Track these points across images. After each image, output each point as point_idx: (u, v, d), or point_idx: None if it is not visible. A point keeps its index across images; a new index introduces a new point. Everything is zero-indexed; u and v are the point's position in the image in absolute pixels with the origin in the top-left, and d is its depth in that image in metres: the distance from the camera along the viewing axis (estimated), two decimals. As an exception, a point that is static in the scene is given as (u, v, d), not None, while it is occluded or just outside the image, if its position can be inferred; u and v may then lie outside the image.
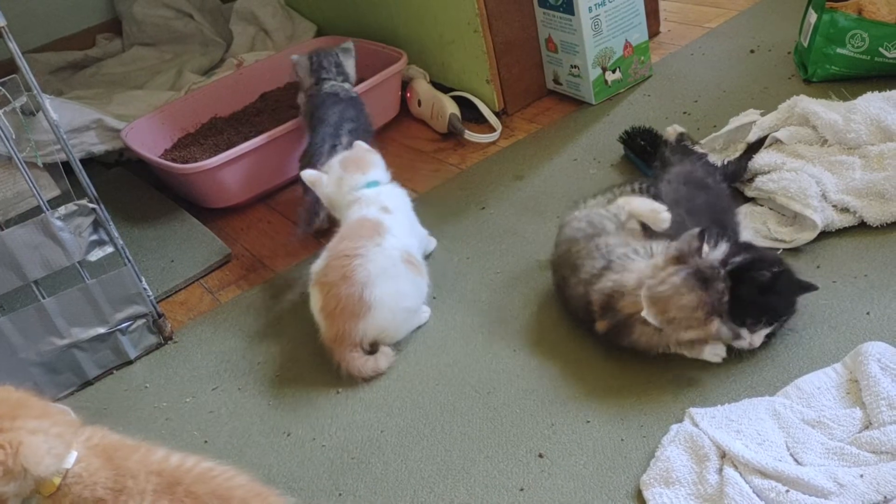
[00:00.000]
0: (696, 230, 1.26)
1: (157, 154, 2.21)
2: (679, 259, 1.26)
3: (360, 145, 1.68)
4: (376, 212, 1.53)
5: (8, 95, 1.40)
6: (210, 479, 1.04)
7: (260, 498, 1.04)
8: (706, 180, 1.54)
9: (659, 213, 1.42)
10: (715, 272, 1.24)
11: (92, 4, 3.33)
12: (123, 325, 1.60)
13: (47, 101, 1.43)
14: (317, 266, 1.48)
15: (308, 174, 1.63)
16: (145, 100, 2.51)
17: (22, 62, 1.40)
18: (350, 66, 2.03)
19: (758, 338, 1.26)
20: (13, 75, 1.42)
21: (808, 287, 1.28)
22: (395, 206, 1.56)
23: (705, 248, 1.27)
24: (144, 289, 1.60)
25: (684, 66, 2.20)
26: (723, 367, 1.28)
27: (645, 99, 2.10)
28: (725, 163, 1.64)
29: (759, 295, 1.24)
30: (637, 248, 1.37)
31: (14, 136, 1.43)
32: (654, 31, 2.37)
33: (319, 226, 1.83)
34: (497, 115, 2.19)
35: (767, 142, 1.65)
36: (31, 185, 1.46)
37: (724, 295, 1.24)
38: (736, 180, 1.63)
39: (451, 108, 2.19)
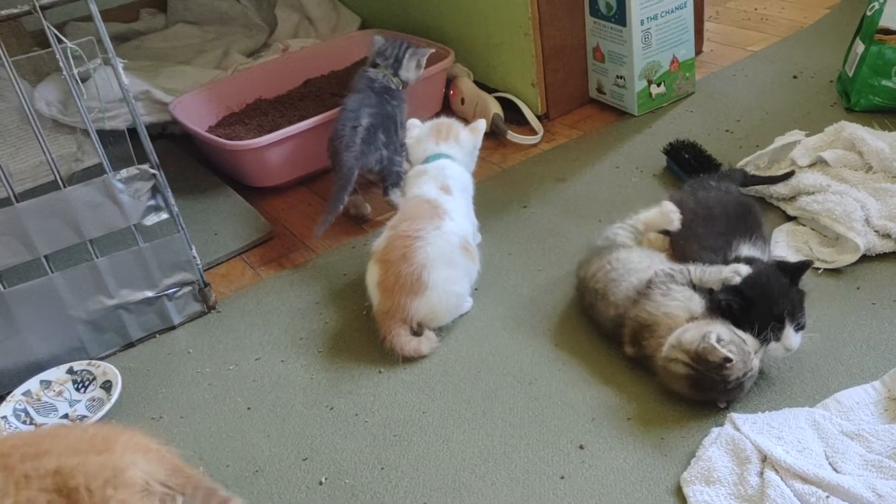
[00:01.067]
0: (722, 355, 1.20)
1: (202, 130, 2.24)
2: (693, 356, 1.23)
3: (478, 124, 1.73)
4: (436, 191, 1.58)
5: (84, 57, 1.43)
6: (24, 444, 1.02)
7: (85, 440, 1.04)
8: (711, 193, 1.58)
9: (668, 211, 1.50)
10: (720, 380, 1.23)
11: (137, -21, 3.37)
12: (170, 290, 1.63)
13: (120, 66, 1.46)
14: (378, 244, 1.52)
15: (409, 121, 1.75)
16: (192, 76, 2.54)
17: (100, 26, 1.44)
18: (410, 66, 2.05)
19: (792, 340, 1.27)
20: (90, 37, 1.45)
21: (801, 267, 1.32)
22: (455, 188, 1.60)
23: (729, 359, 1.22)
24: (194, 257, 1.63)
25: (727, 85, 2.24)
26: (763, 377, 1.31)
27: (687, 114, 2.13)
28: (727, 169, 1.71)
29: (758, 308, 1.27)
30: (676, 278, 1.37)
31: (85, 98, 1.46)
32: (697, 49, 2.41)
33: (349, 209, 1.90)
34: (539, 118, 2.22)
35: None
36: (98, 148, 1.49)
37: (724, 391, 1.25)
38: (746, 184, 1.69)
39: (495, 108, 2.23)
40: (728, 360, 1.20)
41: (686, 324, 1.29)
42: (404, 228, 1.50)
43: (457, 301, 1.53)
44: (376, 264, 1.50)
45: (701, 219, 1.51)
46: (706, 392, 1.25)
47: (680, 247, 1.52)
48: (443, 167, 1.63)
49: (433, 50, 2.14)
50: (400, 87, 2.03)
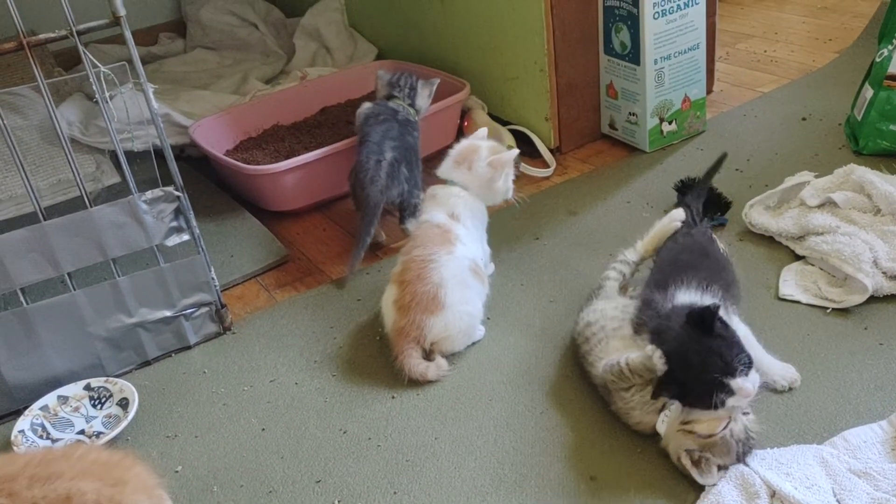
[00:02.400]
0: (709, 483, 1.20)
1: (220, 153, 2.28)
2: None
3: (508, 156, 1.67)
4: (444, 217, 1.61)
5: (116, 81, 1.47)
6: (33, 465, 1.00)
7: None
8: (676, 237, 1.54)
9: (672, 219, 1.53)
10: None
11: (158, 3, 3.45)
12: (188, 310, 1.65)
13: (150, 91, 1.50)
14: (395, 269, 1.57)
15: (479, 130, 1.75)
16: (211, 100, 2.59)
17: (133, 51, 1.48)
18: (423, 95, 2.10)
19: (745, 387, 1.17)
20: (123, 62, 1.50)
21: (707, 316, 1.19)
22: (465, 215, 1.62)
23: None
24: (212, 278, 1.66)
25: (737, 125, 2.28)
26: (772, 414, 1.33)
27: (698, 152, 2.17)
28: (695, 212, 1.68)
29: (691, 385, 1.19)
30: (620, 384, 1.31)
31: (116, 121, 1.50)
32: (707, 89, 2.45)
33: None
34: (551, 152, 2.27)
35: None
36: (125, 169, 1.53)
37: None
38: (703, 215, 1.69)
39: (509, 140, 2.27)
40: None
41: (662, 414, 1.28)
42: (417, 254, 1.54)
43: (470, 322, 1.55)
44: (393, 285, 1.55)
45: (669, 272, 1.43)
46: None
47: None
48: (449, 195, 1.65)
49: (439, 80, 2.18)
50: (417, 118, 2.07)
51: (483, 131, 1.75)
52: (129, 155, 1.59)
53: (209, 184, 2.31)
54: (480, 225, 1.69)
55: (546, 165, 2.22)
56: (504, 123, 2.35)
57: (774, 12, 3.17)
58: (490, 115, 2.40)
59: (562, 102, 2.22)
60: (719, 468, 1.21)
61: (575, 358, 1.51)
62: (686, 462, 1.21)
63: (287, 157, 2.12)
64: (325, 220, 2.15)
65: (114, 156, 2.35)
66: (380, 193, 1.84)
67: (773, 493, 1.17)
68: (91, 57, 1.43)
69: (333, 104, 2.60)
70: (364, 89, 2.64)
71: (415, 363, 1.50)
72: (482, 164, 1.65)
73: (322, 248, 2.02)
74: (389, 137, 1.93)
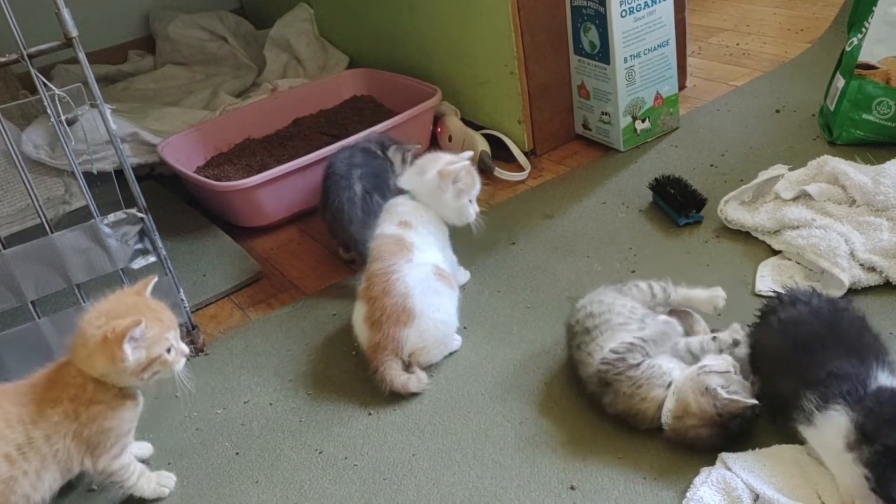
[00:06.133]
0: (746, 404, 1.19)
1: (190, 170, 2.25)
2: (716, 416, 1.22)
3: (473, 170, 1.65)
4: (395, 228, 1.58)
5: (71, 103, 1.44)
6: None
7: None
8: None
9: (717, 297, 1.46)
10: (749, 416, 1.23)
11: (126, 21, 3.41)
12: (158, 334, 1.62)
13: (108, 112, 1.47)
14: (361, 285, 1.54)
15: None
16: (180, 117, 2.56)
17: (88, 72, 1.45)
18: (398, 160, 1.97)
19: None
20: (78, 84, 1.46)
21: None
22: (414, 222, 1.59)
23: None
24: (182, 300, 1.63)
25: (711, 120, 2.27)
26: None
27: (672, 149, 2.16)
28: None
29: None
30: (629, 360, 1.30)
31: (73, 144, 1.46)
32: (680, 85, 2.44)
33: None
34: (526, 155, 2.24)
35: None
36: (85, 192, 1.50)
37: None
38: None
39: (482, 145, 2.25)
40: (754, 405, 1.20)
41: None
42: (377, 267, 1.51)
43: (445, 330, 1.53)
44: (361, 301, 1.52)
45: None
46: (735, 438, 1.23)
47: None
48: (395, 204, 1.64)
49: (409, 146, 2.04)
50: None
51: (469, 153, 1.71)
52: (94, 177, 1.56)
53: (180, 202, 2.28)
54: (437, 232, 1.63)
55: (521, 169, 2.20)
56: (477, 128, 2.33)
57: (746, 4, 3.16)
58: (463, 120, 2.38)
59: (534, 105, 2.20)
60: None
61: (566, 350, 1.46)
62: (723, 393, 1.20)
63: (259, 171, 2.09)
64: (300, 234, 2.12)
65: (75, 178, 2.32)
66: (360, 230, 1.78)
67: (756, 497, 1.15)
68: (43, 79, 1.40)
69: (306, 115, 2.57)
70: (337, 99, 2.62)
71: (396, 374, 1.47)
72: (430, 174, 1.61)
73: (296, 263, 1.99)
74: (355, 165, 1.86)
